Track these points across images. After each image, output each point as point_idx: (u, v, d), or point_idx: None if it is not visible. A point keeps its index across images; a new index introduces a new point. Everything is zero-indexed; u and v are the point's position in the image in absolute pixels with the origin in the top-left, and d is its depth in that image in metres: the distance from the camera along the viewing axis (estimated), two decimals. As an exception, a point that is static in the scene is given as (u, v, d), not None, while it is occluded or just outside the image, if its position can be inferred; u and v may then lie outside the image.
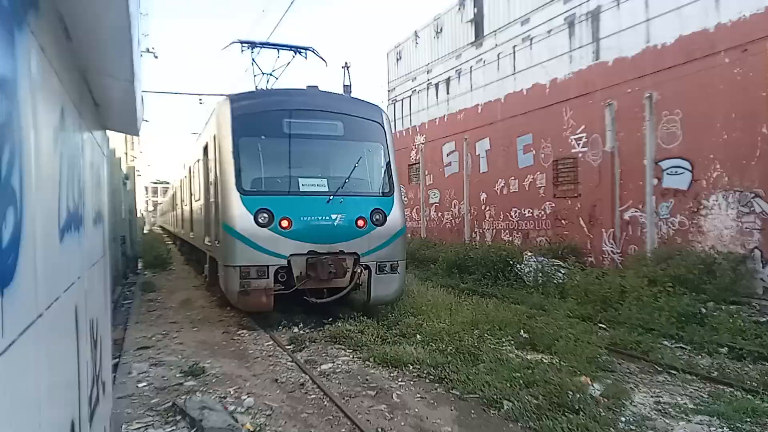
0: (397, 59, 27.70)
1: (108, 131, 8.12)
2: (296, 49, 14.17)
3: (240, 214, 10.12)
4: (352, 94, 26.47)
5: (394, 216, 11.06)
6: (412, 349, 8.27)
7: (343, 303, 11.22)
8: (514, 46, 19.01)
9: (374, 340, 8.99)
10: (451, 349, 8.25)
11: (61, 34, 1.97)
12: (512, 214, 19.25)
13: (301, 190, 10.56)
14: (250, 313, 10.86)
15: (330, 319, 10.81)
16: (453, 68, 22.64)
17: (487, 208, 20.62)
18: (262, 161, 10.82)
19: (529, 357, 8.16)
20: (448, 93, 23.22)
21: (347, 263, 10.42)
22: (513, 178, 19.21)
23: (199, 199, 14.55)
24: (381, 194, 11.23)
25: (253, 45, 14.35)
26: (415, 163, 25.95)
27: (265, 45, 14.39)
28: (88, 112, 2.99)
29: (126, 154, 21.21)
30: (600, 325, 10.27)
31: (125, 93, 3.05)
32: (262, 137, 10.90)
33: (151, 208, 79.03)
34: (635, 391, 6.97)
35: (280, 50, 14.30)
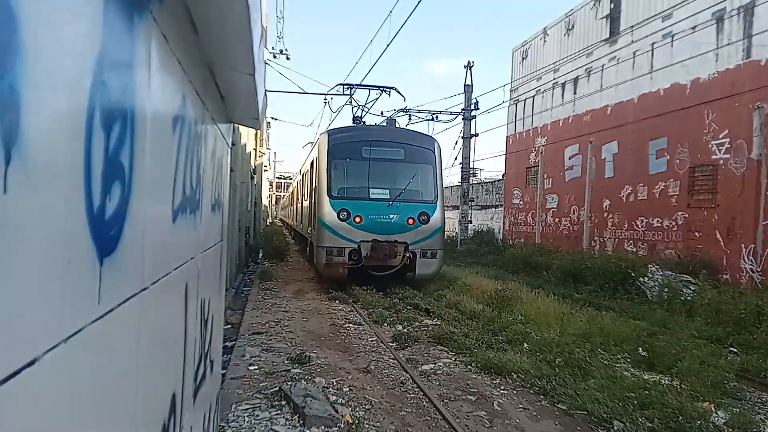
0: (523, 58, 26.95)
1: (240, 127, 8.61)
2: (382, 89, 19.45)
3: (328, 212, 14.42)
4: (474, 94, 26.22)
5: (436, 218, 14.77)
6: (517, 358, 7.99)
7: (397, 278, 14.75)
8: (653, 43, 17.76)
9: (478, 344, 8.81)
10: (559, 361, 7.86)
11: (188, 26, 2.08)
12: (638, 223, 18.03)
13: (370, 197, 14.61)
14: (332, 280, 14.60)
15: (435, 320, 10.91)
16: (582, 66, 21.62)
17: (610, 216, 19.48)
18: (346, 176, 15.08)
19: (645, 377, 7.58)
20: (575, 93, 22.22)
21: (399, 249, 14.30)
22: (642, 184, 17.98)
23: (306, 199, 19.15)
24: (427, 201, 14.85)
25: (351, 86, 20.24)
26: (534, 166, 25.12)
27: (359, 86, 20.11)
28: (213, 103, 3.16)
29: (255, 150, 22.57)
30: (731, 348, 9.31)
31: (248, 86, 3.19)
32: (347, 159, 15.09)
33: (273, 202, 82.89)
34: (766, 423, 6.23)
35: (371, 90, 19.66)
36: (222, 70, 2.87)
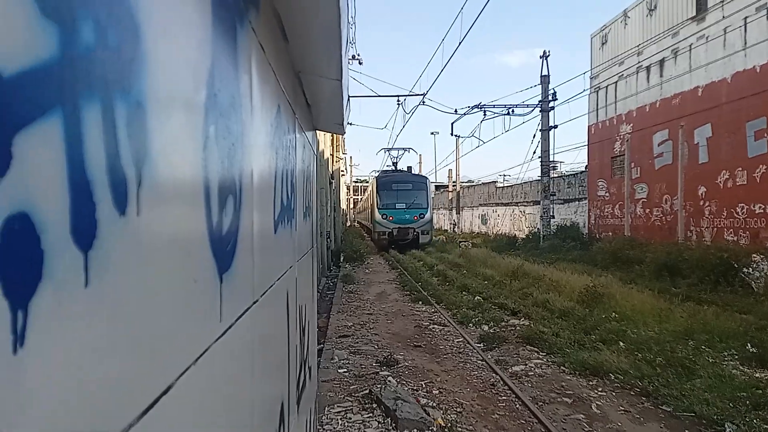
0: (602, 43, 25.82)
1: (318, 133, 8.75)
2: (407, 149, 38.39)
3: (377, 215, 28.53)
4: (551, 85, 25.49)
5: (427, 216, 28.34)
6: (614, 357, 7.60)
7: (412, 246, 27.09)
8: (746, 18, 16.50)
9: (570, 344, 8.46)
10: (660, 360, 7.40)
11: (279, 34, 2.08)
12: (738, 210, 16.79)
13: (396, 207, 28.12)
14: (380, 248, 28.73)
15: (522, 319, 10.61)
16: (668, 48, 20.42)
17: (707, 204, 18.26)
18: (385, 198, 28.57)
19: (757, 375, 7.00)
20: (661, 76, 21.03)
21: (410, 231, 27.75)
22: (740, 168, 16.73)
23: (370, 208, 32.98)
24: (423, 208, 28.34)
25: (388, 149, 38.50)
26: (619, 155, 23.97)
27: (392, 149, 38.39)
28: (301, 111, 3.17)
29: (332, 155, 23.23)
30: None
31: (333, 92, 3.18)
32: (385, 190, 28.80)
33: (351, 205, 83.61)
34: None
35: (399, 150, 38.22)
36: (309, 77, 2.87)
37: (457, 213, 47.79)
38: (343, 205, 49.39)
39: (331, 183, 21.76)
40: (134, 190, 0.62)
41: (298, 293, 2.55)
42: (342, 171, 38.91)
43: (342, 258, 23.86)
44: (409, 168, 36.31)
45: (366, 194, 48.07)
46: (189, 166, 0.84)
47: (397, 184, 29.59)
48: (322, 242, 16.83)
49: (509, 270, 16.20)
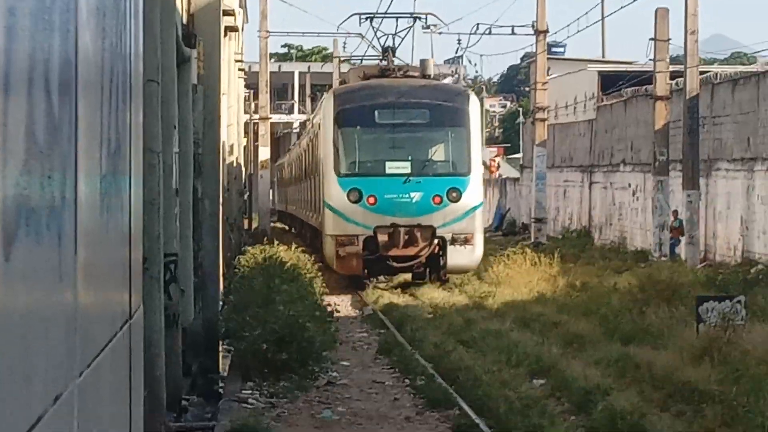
0: None
1: None
2: (415, 16, 16.42)
3: (335, 191, 12.33)
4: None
5: (470, 193, 12.58)
6: None
7: (426, 274, 13.05)
8: None
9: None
10: None
11: None
12: None
13: (386, 172, 12.63)
14: (345, 277, 13.30)
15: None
16: None
17: None
18: (357, 146, 12.88)
19: None
20: None
21: (421, 237, 12.17)
22: None
23: (318, 174, 15.03)
24: (458, 174, 12.69)
25: (371, 16, 16.24)
26: None
27: (384, 15, 16.23)
28: None
29: None
30: None
31: None
32: (358, 127, 13.06)
33: (256, 154, 32.51)
34: None
35: (399, 19, 16.22)
36: None
37: (693, 186, 17.54)
38: (235, 154, 17.26)
39: (184, 62, 7.93)
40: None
41: None
42: (228, 21, 12.57)
43: (229, 357, 9.53)
44: (423, 66, 15.56)
45: (307, 133, 21.16)
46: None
47: (390, 110, 12.58)
48: (151, 299, 5.39)
49: None
